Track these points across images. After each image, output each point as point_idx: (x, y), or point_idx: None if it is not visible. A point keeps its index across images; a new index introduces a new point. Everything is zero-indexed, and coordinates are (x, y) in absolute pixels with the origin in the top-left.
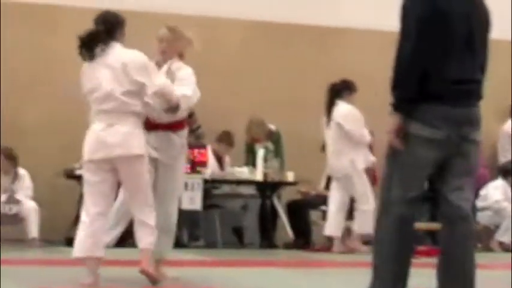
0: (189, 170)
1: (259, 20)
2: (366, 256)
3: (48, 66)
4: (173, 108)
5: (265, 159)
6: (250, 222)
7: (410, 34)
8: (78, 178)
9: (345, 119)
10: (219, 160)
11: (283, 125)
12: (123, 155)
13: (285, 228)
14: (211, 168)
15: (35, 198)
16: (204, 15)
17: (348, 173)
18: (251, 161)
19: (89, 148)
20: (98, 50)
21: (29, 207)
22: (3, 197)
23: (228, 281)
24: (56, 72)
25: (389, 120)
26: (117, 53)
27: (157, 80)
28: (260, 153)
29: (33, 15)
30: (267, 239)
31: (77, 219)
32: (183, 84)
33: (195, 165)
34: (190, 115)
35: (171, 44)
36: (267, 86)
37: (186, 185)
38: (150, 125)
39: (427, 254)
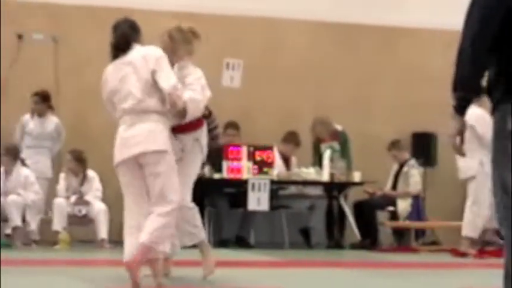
0: (256, 171)
1: (325, 21)
2: (432, 257)
3: None
4: (180, 112)
5: (332, 160)
6: (317, 223)
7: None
8: None
9: (478, 122)
10: (286, 161)
11: (350, 126)
12: (144, 152)
13: (352, 229)
14: (278, 169)
15: (103, 200)
16: (270, 16)
17: (475, 175)
18: (317, 162)
19: (116, 151)
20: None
21: (98, 208)
22: (73, 199)
23: (294, 281)
24: None
25: (452, 123)
26: (137, 50)
27: (171, 78)
28: (326, 153)
29: (98, 19)
30: (334, 239)
31: None
32: (190, 88)
33: (262, 166)
34: (207, 115)
35: (170, 49)
36: (333, 86)
37: (253, 186)
38: None
39: None
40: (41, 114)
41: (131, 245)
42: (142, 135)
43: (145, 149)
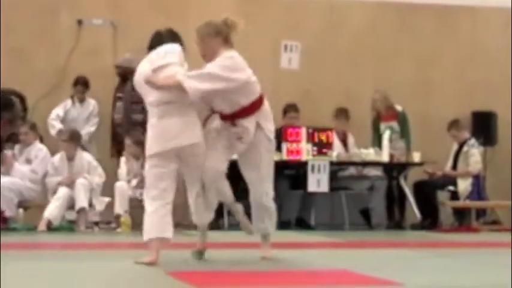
0: (315, 153)
1: (384, 1)
2: (493, 236)
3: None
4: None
5: (391, 140)
6: (377, 204)
7: None
8: None
9: None
10: (344, 141)
11: (410, 106)
12: (190, 144)
13: (412, 209)
14: (337, 150)
15: None
16: None
17: None
18: (377, 142)
19: (153, 142)
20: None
21: None
22: (134, 182)
23: (355, 262)
24: (187, 60)
25: None
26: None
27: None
28: (386, 134)
29: (157, 4)
30: (394, 220)
31: None
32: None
33: (322, 148)
34: None
35: (202, 47)
36: (393, 67)
37: (312, 168)
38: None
39: None
40: (82, 100)
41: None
42: (183, 127)
43: (190, 141)
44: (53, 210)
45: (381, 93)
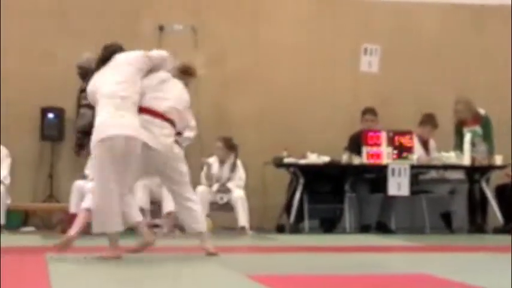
0: (396, 156)
1: (456, 3)
2: None
3: (260, 57)
4: None
5: (473, 144)
6: (459, 207)
7: None
8: (287, 166)
9: None
10: (425, 145)
11: (492, 108)
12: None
13: (494, 213)
14: (417, 154)
15: (246, 187)
16: (401, 0)
17: None
18: (460, 146)
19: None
20: None
21: (237, 196)
22: (215, 186)
23: (436, 266)
24: (266, 64)
25: None
26: None
27: None
28: (467, 137)
29: (237, 9)
30: (476, 223)
31: (287, 207)
32: None
33: (402, 151)
34: None
35: None
36: (472, 70)
37: (393, 171)
38: None
39: None
40: None
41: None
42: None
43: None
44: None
45: (464, 103)
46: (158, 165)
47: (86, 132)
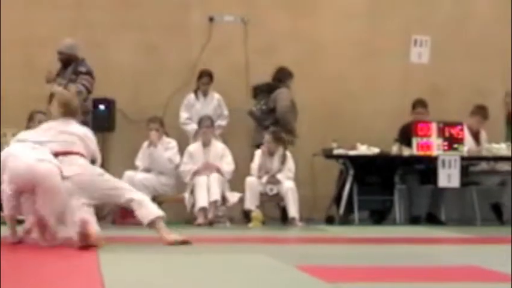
0: (446, 147)
1: None
2: None
3: (310, 49)
4: None
5: None
6: (509, 199)
7: None
8: (336, 157)
9: None
10: (475, 136)
11: None
12: None
13: None
14: (468, 145)
15: (295, 178)
16: None
17: None
18: (510, 137)
19: None
20: None
21: (287, 187)
22: (265, 178)
23: (487, 258)
24: (316, 56)
25: None
26: None
27: None
28: None
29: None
30: None
31: (336, 198)
32: None
33: (452, 143)
34: None
35: None
36: None
37: (443, 162)
38: None
39: None
40: (206, 93)
41: None
42: None
43: None
44: (203, 199)
45: None
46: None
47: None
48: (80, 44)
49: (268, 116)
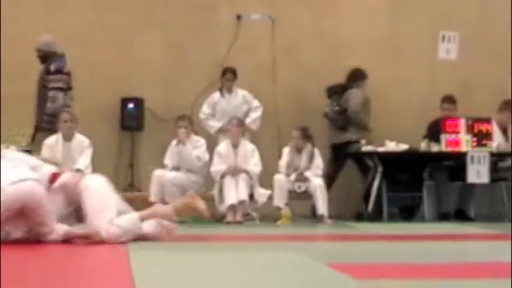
0: (475, 144)
1: None
2: None
3: (337, 46)
4: None
5: None
6: None
7: None
8: (365, 154)
9: None
10: (504, 132)
11: None
12: None
13: None
14: (496, 141)
15: (323, 175)
16: None
17: None
18: None
19: None
20: None
21: (315, 184)
22: (293, 176)
23: None
24: (344, 53)
25: None
26: None
27: None
28: None
29: None
30: None
31: (365, 195)
32: None
33: (481, 139)
34: None
35: None
36: None
37: (472, 159)
38: None
39: None
40: (230, 90)
41: None
42: None
43: None
44: (232, 197)
45: None
46: None
47: (55, 115)
48: (56, 40)
49: (341, 116)
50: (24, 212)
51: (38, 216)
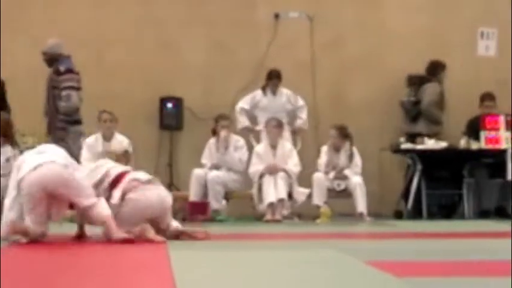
0: None
1: None
2: None
3: (376, 43)
4: None
5: None
6: None
7: None
8: (404, 152)
9: None
10: None
11: None
12: None
13: None
14: None
15: (362, 173)
16: None
17: None
18: None
19: None
20: None
21: (355, 182)
22: (332, 174)
23: None
24: (383, 49)
25: None
26: None
27: None
28: None
29: None
30: None
31: (404, 193)
32: None
33: None
34: None
35: None
36: None
37: None
38: None
39: None
40: (275, 92)
41: None
42: None
43: None
44: (271, 196)
45: None
46: None
47: (69, 114)
48: (62, 42)
49: (415, 107)
50: (54, 193)
51: (69, 195)
